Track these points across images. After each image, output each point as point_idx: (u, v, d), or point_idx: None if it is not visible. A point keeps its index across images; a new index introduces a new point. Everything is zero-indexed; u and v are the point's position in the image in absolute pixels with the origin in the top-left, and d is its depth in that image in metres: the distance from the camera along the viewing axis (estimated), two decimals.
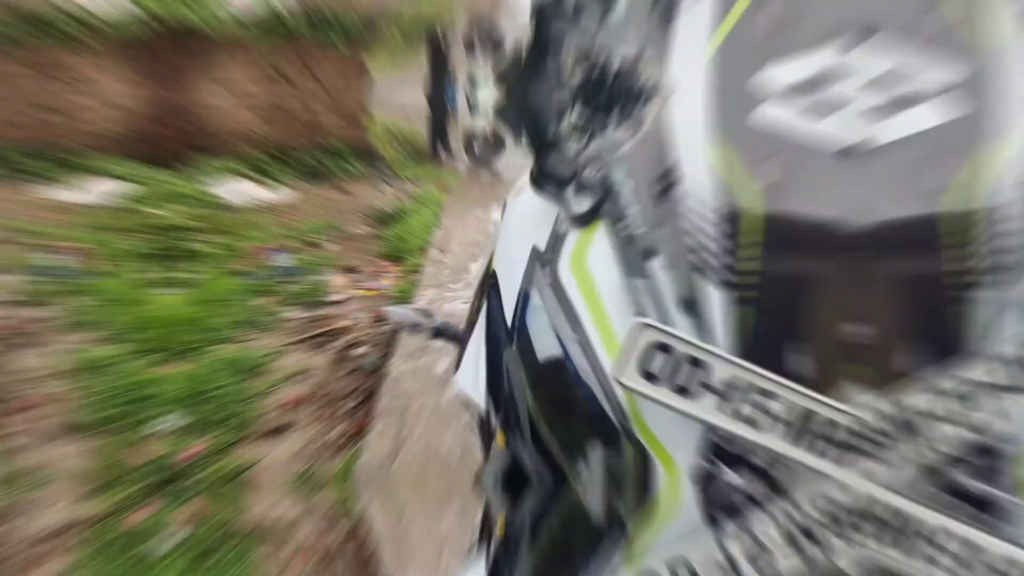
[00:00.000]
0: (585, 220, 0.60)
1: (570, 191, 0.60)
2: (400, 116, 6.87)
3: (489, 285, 0.70)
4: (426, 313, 0.93)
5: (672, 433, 0.54)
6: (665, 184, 0.59)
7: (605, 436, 0.58)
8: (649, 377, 0.52)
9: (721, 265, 0.53)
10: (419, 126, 6.88)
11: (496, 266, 0.69)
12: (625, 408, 0.55)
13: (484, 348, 0.73)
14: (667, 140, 0.61)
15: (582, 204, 0.60)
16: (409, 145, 5.95)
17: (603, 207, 0.60)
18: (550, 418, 0.61)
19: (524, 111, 0.60)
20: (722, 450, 0.52)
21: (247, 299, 2.80)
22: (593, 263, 0.59)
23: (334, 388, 2.33)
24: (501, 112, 0.75)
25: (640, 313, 0.54)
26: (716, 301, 0.54)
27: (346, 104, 4.58)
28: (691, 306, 0.54)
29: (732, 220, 0.53)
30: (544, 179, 0.60)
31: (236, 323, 2.62)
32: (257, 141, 4.44)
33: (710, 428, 0.51)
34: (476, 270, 3.11)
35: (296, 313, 2.83)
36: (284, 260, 3.37)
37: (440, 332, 0.93)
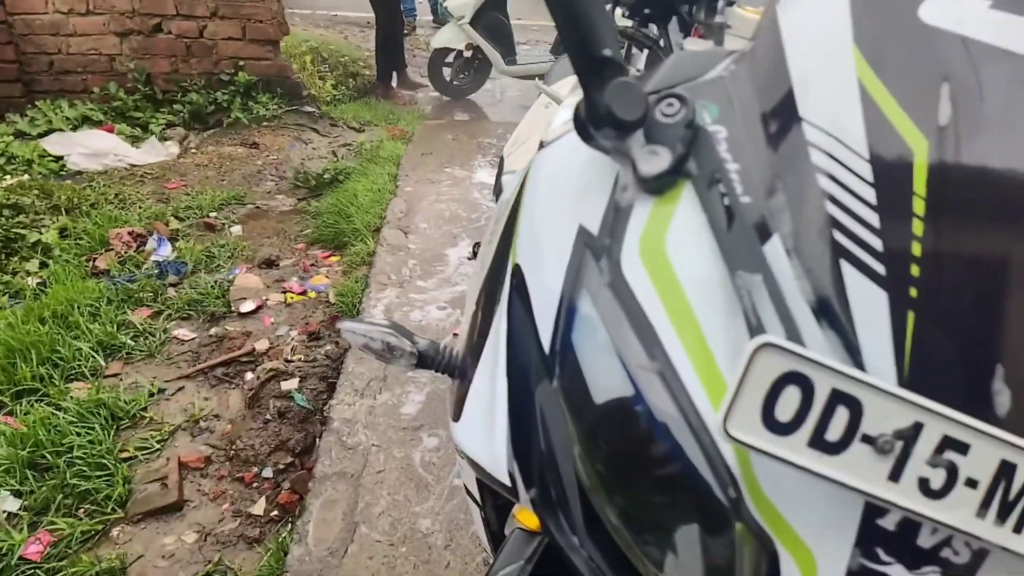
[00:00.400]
0: (661, 184, 0.56)
1: (637, 140, 0.56)
2: (331, 29, 6.80)
3: (510, 288, 0.66)
4: (402, 330, 0.89)
5: (810, 511, 0.51)
6: (782, 125, 0.56)
7: (704, 516, 0.55)
8: (775, 427, 0.48)
9: (884, 249, 0.50)
10: (361, 43, 6.95)
11: (519, 258, 0.65)
12: (736, 473, 0.52)
13: (502, 384, 0.69)
14: (782, 57, 0.57)
15: (657, 160, 0.55)
16: (347, 72, 5.87)
17: (687, 163, 0.56)
18: (616, 490, 0.58)
19: (569, 8, 0.55)
20: (889, 536, 0.49)
21: (112, 312, 2.76)
22: (676, 250, 0.55)
23: (249, 443, 2.28)
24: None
25: (757, 326, 0.51)
26: (873, 304, 0.50)
27: (252, 15, 4.46)
28: (830, 313, 0.51)
29: (898, 179, 0.50)
30: (597, 122, 0.56)
31: (97, 349, 2.57)
32: (123, 74, 4.35)
33: (873, 503, 0.48)
34: (461, 258, 3.08)
35: (188, 332, 2.78)
36: (165, 252, 3.30)
37: (427, 359, 0.89)
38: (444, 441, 2.15)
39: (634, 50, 1.15)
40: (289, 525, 2.01)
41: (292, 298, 2.96)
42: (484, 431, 0.73)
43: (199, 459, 2.24)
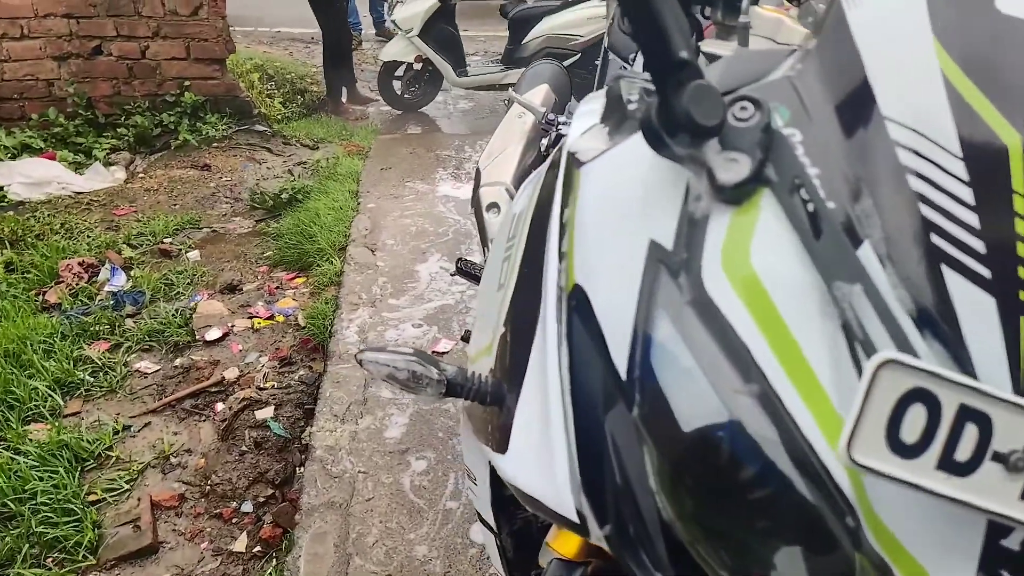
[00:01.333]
0: (740, 193, 0.53)
1: (712, 147, 0.53)
2: (275, 46, 6.68)
3: (569, 310, 0.61)
4: (427, 357, 0.83)
5: (930, 536, 0.48)
6: (862, 125, 0.53)
7: (811, 541, 0.52)
8: (902, 450, 0.45)
9: (987, 252, 0.47)
10: (307, 59, 6.83)
11: (579, 278, 0.61)
12: (852, 499, 0.49)
13: (558, 413, 0.65)
14: (854, 54, 0.55)
15: (737, 168, 0.52)
16: (294, 89, 5.77)
17: (766, 169, 0.53)
18: (708, 520, 0.54)
19: (644, 9, 0.51)
20: (1013, 556, 0.47)
21: (68, 348, 2.62)
22: (762, 262, 0.51)
23: (225, 477, 2.19)
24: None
25: (864, 340, 0.48)
26: (980, 310, 0.48)
27: (196, 34, 4.34)
28: (934, 322, 0.48)
29: (995, 177, 0.48)
30: (672, 128, 0.52)
31: (54, 388, 2.44)
32: (62, 99, 4.17)
33: (996, 523, 0.45)
34: (432, 274, 3.02)
35: (150, 364, 2.67)
36: (119, 282, 3.16)
37: (455, 387, 0.84)
38: (433, 463, 2.09)
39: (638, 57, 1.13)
40: (274, 561, 1.92)
41: (259, 323, 2.86)
42: (541, 464, 0.68)
43: (172, 497, 2.13)
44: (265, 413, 2.42)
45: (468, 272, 1.91)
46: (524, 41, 5.14)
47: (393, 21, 5.12)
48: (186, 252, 3.44)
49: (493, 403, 0.82)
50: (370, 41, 6.69)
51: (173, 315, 2.89)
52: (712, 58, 0.86)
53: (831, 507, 0.49)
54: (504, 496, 1.15)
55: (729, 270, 0.53)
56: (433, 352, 2.55)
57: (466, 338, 1.81)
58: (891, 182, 0.51)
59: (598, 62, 5.01)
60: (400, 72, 5.32)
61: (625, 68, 1.65)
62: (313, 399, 2.46)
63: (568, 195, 0.73)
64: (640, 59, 1.64)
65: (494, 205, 2.03)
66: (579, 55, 5.09)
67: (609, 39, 1.76)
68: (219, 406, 2.48)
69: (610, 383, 0.59)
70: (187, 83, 4.46)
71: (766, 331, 0.51)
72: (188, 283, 3.15)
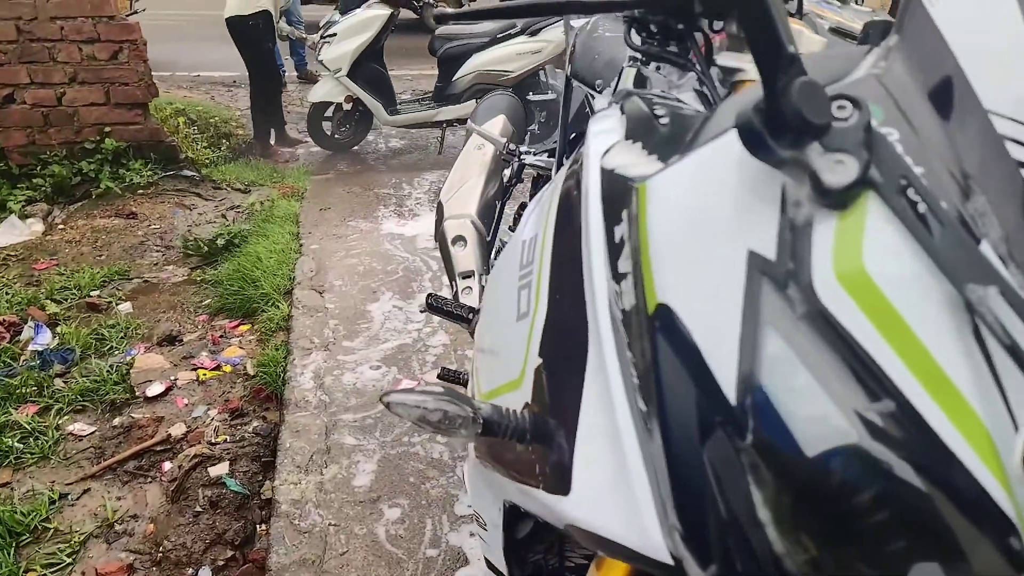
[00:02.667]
0: (846, 196, 0.50)
1: (815, 149, 0.50)
2: (195, 90, 6.50)
3: (651, 331, 0.57)
4: (458, 395, 0.77)
5: None
6: (964, 121, 0.51)
7: (957, 562, 0.47)
8: None
9: None
10: (230, 102, 6.63)
11: (666, 297, 0.56)
12: (1011, 515, 0.45)
13: (632, 445, 0.60)
14: (944, 49, 0.53)
15: (844, 169, 0.49)
16: (219, 133, 5.60)
17: (870, 171, 0.50)
18: (836, 551, 0.50)
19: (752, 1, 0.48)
20: None
21: None
22: (878, 268, 0.48)
23: (179, 542, 2.03)
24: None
25: (1011, 345, 0.45)
26: None
27: (115, 78, 4.15)
28: None
29: None
30: (778, 128, 0.49)
31: None
32: None
33: None
34: (385, 314, 2.93)
35: (85, 425, 2.48)
36: (45, 339, 2.96)
37: (492, 426, 0.78)
38: (407, 511, 2.00)
39: (642, 72, 1.11)
40: None
41: (205, 375, 2.71)
42: (618, 504, 0.62)
43: (120, 568, 1.97)
44: (219, 469, 2.28)
45: (439, 308, 1.84)
46: (455, 78, 5.14)
47: (320, 61, 5.04)
48: (116, 304, 3.25)
49: (536, 440, 0.77)
50: (293, 83, 6.58)
51: (108, 372, 2.71)
52: (729, 71, 0.84)
53: (990, 522, 0.45)
54: (516, 540, 1.08)
55: (843, 278, 0.49)
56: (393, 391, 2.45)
57: (445, 376, 1.75)
58: (1004, 178, 0.49)
59: (534, 95, 5.06)
60: (330, 113, 5.23)
61: (592, 96, 1.64)
62: (271, 451, 2.33)
63: (618, 213, 0.69)
64: (610, 86, 1.63)
65: (460, 238, 1.98)
66: (510, 90, 5.12)
67: (571, 67, 1.75)
68: (166, 465, 2.32)
69: (710, 409, 0.54)
70: (107, 129, 4.27)
71: (892, 341, 0.48)
72: (122, 337, 2.97)
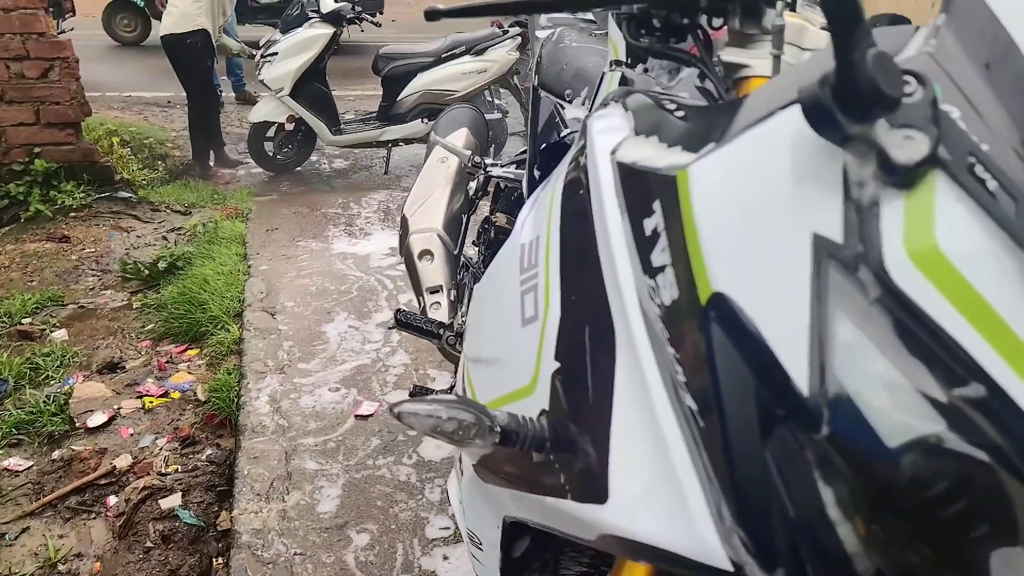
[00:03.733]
0: (913, 175, 0.48)
1: (883, 126, 0.48)
2: (127, 111, 6.28)
3: (705, 322, 0.54)
4: (473, 404, 0.73)
5: None
6: (1022, 94, 0.50)
7: None
8: None
9: None
10: (165, 123, 6.45)
11: (722, 285, 0.53)
12: None
13: (679, 446, 0.56)
14: (998, 27, 0.52)
15: (914, 146, 0.47)
16: (154, 154, 5.42)
17: (939, 148, 0.49)
18: (917, 544, 0.48)
19: None
20: None
21: None
22: (953, 248, 0.47)
23: None
24: None
25: None
26: None
27: (46, 97, 3.96)
28: None
29: None
30: (851, 101, 0.47)
31: None
32: None
33: None
34: (341, 334, 2.85)
35: (21, 460, 2.32)
36: None
37: (510, 435, 0.74)
38: (376, 536, 1.92)
39: (641, 69, 1.09)
40: None
41: (151, 402, 2.57)
42: (665, 509, 0.59)
43: None
44: (171, 501, 2.16)
45: (409, 324, 1.79)
46: (399, 98, 5.09)
47: (261, 81, 4.94)
48: (50, 332, 3.08)
49: (558, 449, 0.73)
50: (231, 104, 6.43)
51: (44, 402, 2.55)
52: (731, 67, 0.83)
53: None
54: (513, 560, 1.04)
55: (916, 258, 0.47)
56: (356, 416, 2.38)
57: (416, 393, 1.69)
58: None
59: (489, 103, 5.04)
60: (271, 133, 5.12)
61: (561, 106, 1.62)
62: (226, 480, 2.22)
63: (647, 205, 0.66)
64: (580, 95, 1.62)
65: (427, 252, 1.94)
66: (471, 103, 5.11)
67: (538, 77, 1.73)
68: (112, 500, 2.19)
69: (775, 402, 0.51)
70: (37, 150, 4.08)
71: (975, 322, 0.46)
72: (58, 366, 2.81)
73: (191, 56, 4.83)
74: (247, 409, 2.39)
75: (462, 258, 2.04)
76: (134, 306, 3.28)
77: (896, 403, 0.46)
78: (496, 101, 5.39)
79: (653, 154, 0.72)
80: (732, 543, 0.54)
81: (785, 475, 0.51)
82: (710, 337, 0.55)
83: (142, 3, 8.79)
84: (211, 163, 5.18)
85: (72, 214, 4.10)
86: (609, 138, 0.84)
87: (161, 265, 3.47)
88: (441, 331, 1.78)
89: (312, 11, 4.99)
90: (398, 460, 2.19)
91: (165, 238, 3.89)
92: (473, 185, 1.99)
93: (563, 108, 1.65)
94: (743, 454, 0.54)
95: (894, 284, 0.47)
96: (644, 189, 0.68)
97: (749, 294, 0.53)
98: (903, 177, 0.48)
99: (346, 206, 4.27)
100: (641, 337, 0.65)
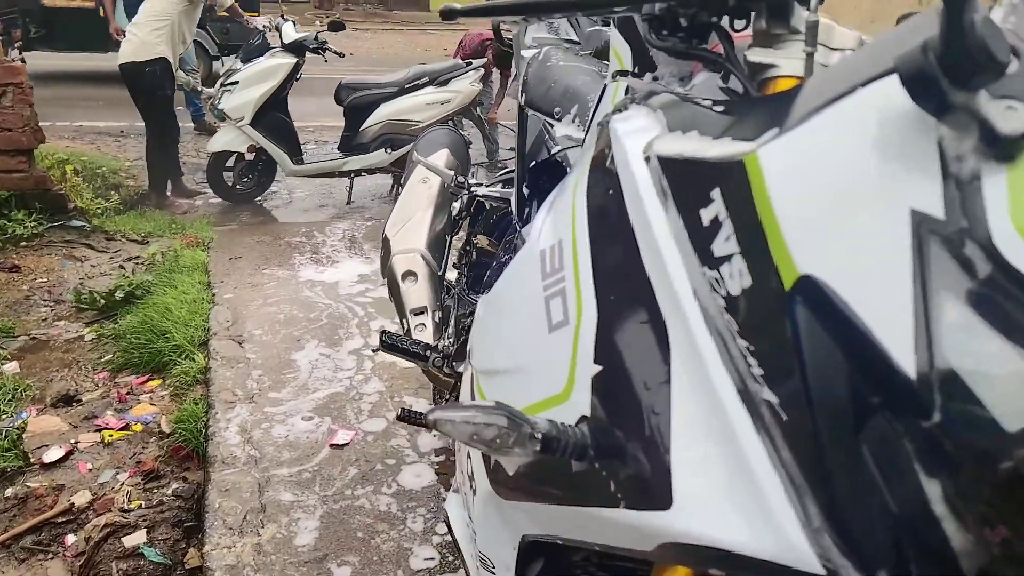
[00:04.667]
0: (1015, 146, 0.46)
1: (984, 96, 0.46)
2: (79, 140, 6.10)
3: (791, 309, 0.50)
4: (512, 410, 0.69)
5: None
6: None
7: None
8: None
9: None
10: (118, 153, 6.28)
11: (812, 267, 0.50)
12: None
13: (754, 442, 0.53)
14: None
15: (1017, 117, 0.46)
16: (107, 184, 5.26)
17: None
18: None
19: None
20: None
21: None
22: None
23: None
24: None
25: None
26: None
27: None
28: None
29: None
30: (959, 70, 0.45)
31: None
32: None
33: None
34: (313, 362, 2.76)
35: None
36: None
37: (551, 443, 0.69)
38: (358, 568, 1.83)
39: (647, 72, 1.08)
40: None
41: (111, 435, 2.44)
42: (742, 510, 0.55)
43: None
44: (136, 539, 2.03)
45: (395, 346, 1.73)
46: (362, 128, 5.05)
47: (221, 110, 4.84)
48: (1, 364, 2.92)
49: (604, 456, 0.69)
50: (188, 134, 6.29)
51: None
52: (757, 67, 0.82)
53: None
54: None
55: None
56: (332, 445, 2.29)
57: (405, 417, 1.63)
58: None
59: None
60: (231, 163, 5.01)
61: (550, 124, 1.61)
62: (194, 515, 2.11)
63: (703, 195, 0.63)
64: (569, 113, 1.61)
65: (411, 273, 1.89)
66: (450, 124, 5.08)
67: (525, 96, 1.72)
68: (70, 539, 2.06)
69: (874, 388, 0.48)
70: None
71: None
72: (10, 399, 2.65)
73: (150, 85, 4.73)
74: (216, 440, 2.28)
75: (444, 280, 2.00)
76: (87, 337, 3.13)
77: (1016, 385, 0.44)
78: (460, 131, 5.39)
79: (699, 146, 0.69)
80: (822, 544, 0.50)
81: (884, 468, 0.48)
82: (796, 323, 0.52)
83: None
84: (168, 193, 5.04)
85: (23, 243, 3.94)
86: (638, 138, 0.81)
87: (118, 295, 3.34)
88: (428, 353, 1.73)
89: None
90: (377, 490, 2.10)
91: (122, 267, 3.75)
92: (457, 205, 1.96)
93: (552, 126, 1.64)
94: (835, 447, 0.50)
95: (1004, 259, 0.45)
96: (697, 179, 0.66)
97: (842, 275, 0.50)
98: (1005, 149, 0.46)
99: (310, 235, 4.18)
100: (701, 332, 0.62)
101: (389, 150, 5.02)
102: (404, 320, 1.87)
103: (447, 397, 1.82)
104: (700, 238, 0.63)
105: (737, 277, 0.58)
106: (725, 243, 0.60)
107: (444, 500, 2.07)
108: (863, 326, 0.48)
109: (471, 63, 5.24)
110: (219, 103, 4.86)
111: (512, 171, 2.07)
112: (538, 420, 0.68)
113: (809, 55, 0.79)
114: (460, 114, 5.22)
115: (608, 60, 1.88)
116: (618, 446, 0.68)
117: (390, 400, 2.52)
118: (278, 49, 4.96)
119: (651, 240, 0.70)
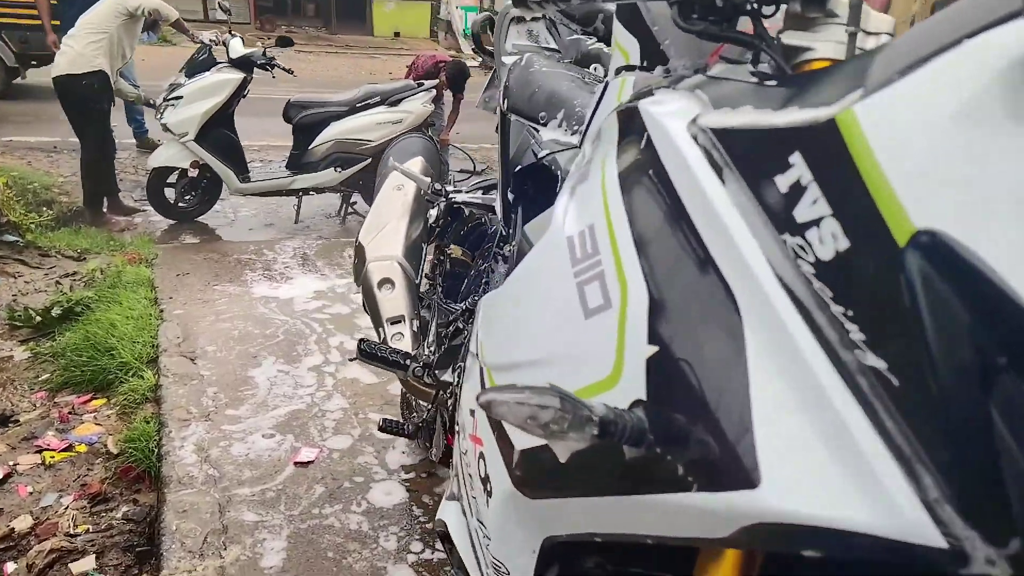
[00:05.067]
0: None
1: None
2: (7, 155, 5.81)
3: (902, 264, 0.48)
4: (567, 393, 0.65)
5: None
6: None
7: None
8: None
9: None
10: (51, 168, 6.03)
11: (930, 220, 0.48)
12: None
13: (855, 412, 0.50)
14: None
15: None
16: (38, 200, 5.00)
17: None
18: None
19: None
20: None
21: None
22: None
23: None
24: None
25: None
26: None
27: None
28: None
29: None
30: None
31: None
32: None
33: None
34: (271, 379, 2.64)
35: None
36: None
37: (609, 426, 0.65)
38: None
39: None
40: None
41: (53, 457, 2.28)
42: (848, 484, 0.52)
43: None
44: (83, 565, 1.90)
45: (374, 354, 1.66)
46: (311, 146, 4.96)
47: (164, 125, 4.69)
48: None
49: (668, 439, 0.65)
50: (128, 151, 6.06)
51: None
52: (793, 50, 0.81)
53: None
54: None
55: None
56: (296, 463, 2.19)
57: (387, 428, 1.55)
58: None
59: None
60: (173, 179, 4.84)
61: (536, 129, 1.59)
62: (146, 538, 1.98)
63: (778, 161, 0.61)
64: (555, 118, 1.59)
65: (387, 281, 1.83)
66: (369, 160, 5.01)
67: (508, 102, 1.69)
68: (10, 566, 1.91)
69: (1002, 348, 0.46)
70: None
71: None
72: None
73: (87, 99, 4.55)
74: (170, 459, 2.15)
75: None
76: (18, 356, 2.94)
77: None
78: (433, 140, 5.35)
79: (760, 118, 0.67)
80: (942, 515, 0.47)
81: (1017, 429, 0.46)
82: (911, 281, 0.50)
83: None
84: (104, 210, 4.83)
85: None
86: (677, 117, 0.80)
87: (56, 311, 3.15)
88: (407, 362, 1.67)
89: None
90: (347, 508, 2.01)
91: (58, 283, 3.55)
92: (434, 213, 1.91)
93: (537, 131, 1.62)
94: (959, 411, 0.48)
95: None
96: (767, 147, 0.64)
97: (969, 226, 0.48)
98: None
99: (260, 253, 4.05)
100: (782, 302, 0.59)
101: (339, 169, 4.94)
102: (380, 329, 1.80)
103: (428, 407, 1.75)
104: (776, 206, 0.61)
105: (829, 241, 0.56)
106: (811, 207, 0.58)
107: (417, 518, 2.00)
108: (995, 278, 0.46)
109: (423, 84, 5.21)
110: (162, 118, 4.70)
111: (488, 179, 2.04)
112: (595, 404, 0.65)
113: (851, 35, 0.79)
114: (411, 134, 5.18)
115: (587, 67, 1.88)
116: (683, 428, 0.64)
117: (355, 417, 2.43)
118: (225, 64, 4.84)
119: (710, 213, 0.68)
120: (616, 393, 0.72)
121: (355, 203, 5.25)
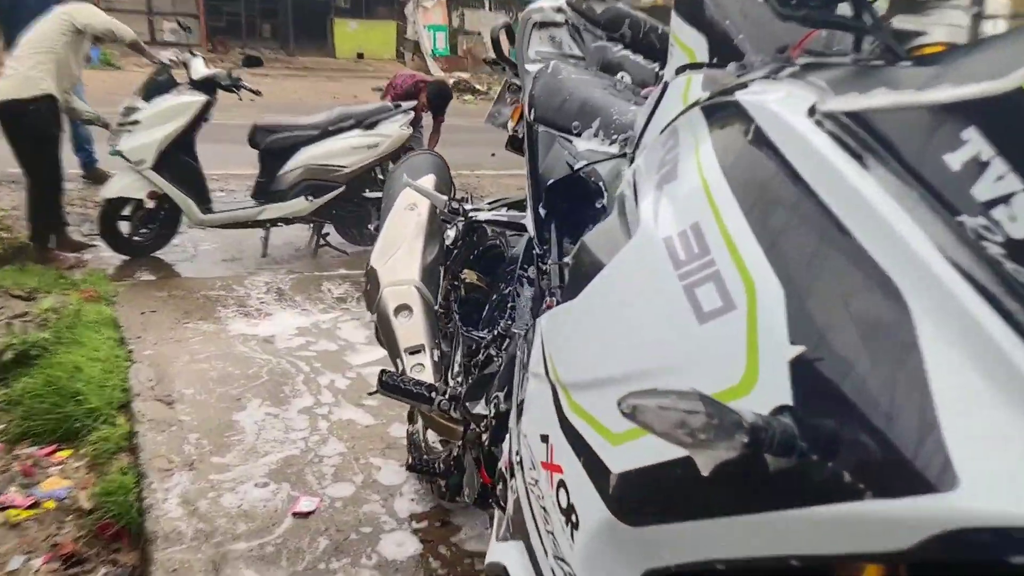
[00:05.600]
0: None
1: None
2: None
3: None
4: (710, 398, 0.63)
5: None
6: None
7: None
8: None
9: None
10: (1, 201, 5.89)
11: None
12: None
13: None
14: None
15: None
16: None
17: None
18: None
19: None
20: None
21: None
22: None
23: None
24: None
25: None
26: None
27: None
28: None
29: None
30: None
31: None
32: None
33: None
34: (258, 422, 2.58)
35: None
36: None
37: (759, 433, 0.63)
38: None
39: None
40: None
41: (17, 515, 2.19)
42: None
43: None
44: None
45: (397, 386, 1.62)
46: (280, 173, 4.91)
47: (118, 152, 4.61)
48: None
49: (826, 445, 0.64)
50: (74, 182, 5.96)
51: None
52: (903, 35, 0.83)
53: None
54: None
55: None
56: (295, 514, 2.13)
57: (415, 467, 1.51)
58: None
59: (371, 192, 4.91)
60: (128, 211, 4.75)
61: (568, 139, 1.59)
62: None
63: (948, 139, 0.61)
64: (591, 127, 1.59)
65: (404, 308, 1.80)
66: (343, 188, 4.98)
67: (535, 112, 1.70)
68: None
69: None
70: None
71: None
72: None
73: (34, 126, 4.46)
74: (154, 514, 2.08)
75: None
76: None
77: None
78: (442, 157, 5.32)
79: (905, 97, 0.68)
80: None
81: None
82: None
83: None
84: (51, 246, 4.73)
85: None
86: (790, 108, 0.80)
87: (8, 355, 3.06)
88: (432, 395, 1.63)
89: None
90: (355, 562, 1.95)
91: (9, 324, 3.45)
92: (451, 233, 1.89)
93: (570, 141, 1.62)
94: None
95: None
96: (928, 126, 0.64)
97: None
98: None
99: (229, 288, 3.99)
100: (962, 290, 0.59)
101: (310, 198, 4.89)
102: (398, 360, 1.77)
103: (456, 444, 1.72)
104: (946, 186, 0.61)
105: (1021, 217, 0.56)
106: (996, 183, 0.58)
107: (435, 571, 1.95)
108: None
109: (400, 105, 5.21)
110: (116, 144, 4.63)
111: (506, 198, 2.04)
112: (743, 411, 0.63)
113: (975, 17, 0.80)
114: (390, 159, 5.15)
115: (613, 74, 1.90)
116: (843, 432, 0.63)
117: (355, 462, 2.37)
118: (186, 86, 4.79)
119: (853, 201, 0.68)
120: (752, 400, 0.70)
121: (327, 235, 5.19)
